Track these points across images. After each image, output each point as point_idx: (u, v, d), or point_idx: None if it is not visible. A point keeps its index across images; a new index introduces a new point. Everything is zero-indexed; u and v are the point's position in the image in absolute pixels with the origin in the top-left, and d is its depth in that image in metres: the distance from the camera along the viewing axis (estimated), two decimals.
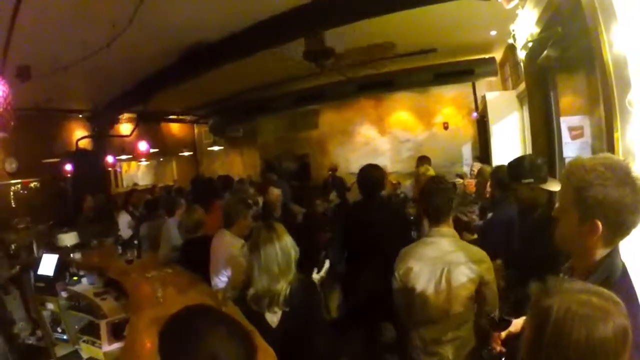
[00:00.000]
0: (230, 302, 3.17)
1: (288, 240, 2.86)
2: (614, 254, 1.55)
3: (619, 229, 1.50)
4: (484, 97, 9.00)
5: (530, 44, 4.29)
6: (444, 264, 2.70)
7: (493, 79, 10.39)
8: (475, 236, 4.84)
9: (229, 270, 3.83)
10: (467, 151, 11.83)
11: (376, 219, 3.91)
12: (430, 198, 2.85)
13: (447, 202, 2.84)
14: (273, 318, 2.80)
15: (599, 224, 1.49)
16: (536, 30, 4.07)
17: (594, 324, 1.03)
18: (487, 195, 5.21)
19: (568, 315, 1.06)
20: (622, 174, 1.47)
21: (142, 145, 11.55)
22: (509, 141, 8.12)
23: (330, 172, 11.46)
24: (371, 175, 4.22)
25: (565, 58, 4.15)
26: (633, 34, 2.23)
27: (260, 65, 8.68)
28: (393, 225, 3.96)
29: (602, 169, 1.49)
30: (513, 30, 4.85)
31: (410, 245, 2.94)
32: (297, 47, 7.27)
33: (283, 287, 2.76)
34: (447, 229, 2.83)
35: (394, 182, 8.74)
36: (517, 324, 2.07)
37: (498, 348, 2.08)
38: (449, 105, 12.23)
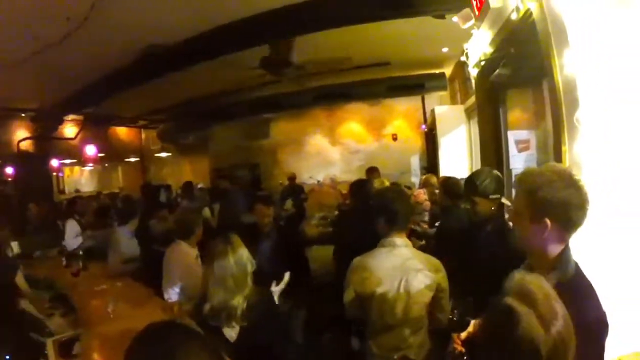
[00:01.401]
0: (186, 315, 3.05)
1: (244, 253, 2.73)
2: (566, 251, 1.72)
3: (567, 225, 1.67)
4: (433, 111, 9.35)
5: (482, 62, 4.52)
6: (402, 273, 2.70)
7: (442, 93, 10.79)
8: (424, 242, 4.99)
9: (184, 282, 3.69)
10: (415, 162, 12.14)
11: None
12: (391, 206, 2.83)
13: (407, 212, 2.89)
14: (231, 333, 2.66)
15: (548, 221, 1.66)
16: (489, 49, 4.29)
17: (514, 329, 1.20)
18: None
19: (510, 314, 1.22)
20: (566, 176, 1.67)
21: (90, 150, 11.04)
22: (456, 153, 8.48)
23: (288, 181, 11.24)
24: (364, 185, 4.51)
25: (515, 76, 4.39)
26: (583, 59, 2.45)
27: (216, 72, 8.65)
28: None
29: (549, 174, 1.69)
30: (466, 49, 5.07)
31: (363, 256, 2.88)
32: (254, 54, 7.34)
33: (239, 301, 2.63)
34: (402, 238, 2.83)
35: (344, 192, 8.81)
36: (475, 324, 2.15)
37: (458, 348, 2.12)
38: (399, 118, 12.57)
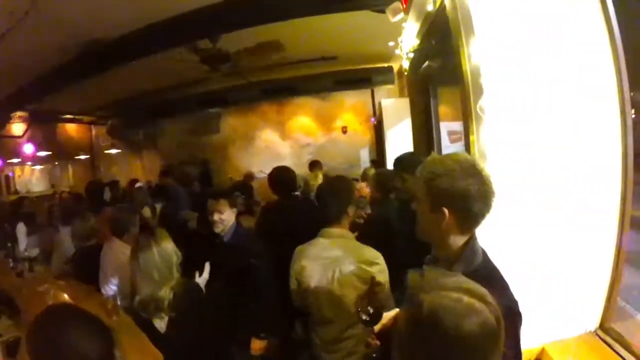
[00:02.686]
0: (121, 310, 3.08)
1: (168, 246, 2.82)
2: (472, 241, 1.68)
3: (469, 217, 1.63)
4: (380, 104, 9.42)
5: (411, 55, 4.58)
6: (334, 264, 2.72)
7: (391, 86, 10.90)
8: (356, 234, 5.00)
9: (118, 279, 3.73)
10: (365, 155, 12.28)
11: (292, 219, 4.02)
12: (323, 198, 2.91)
13: (339, 203, 2.86)
14: (161, 324, 2.76)
15: (446, 211, 1.62)
16: (416, 42, 4.35)
17: (461, 319, 1.09)
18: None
19: (439, 310, 1.11)
20: (467, 166, 1.62)
21: (28, 148, 10.76)
22: (402, 145, 8.55)
23: (243, 178, 11.05)
24: (285, 176, 4.39)
25: (447, 68, 4.46)
26: (487, 46, 2.48)
27: (161, 66, 8.50)
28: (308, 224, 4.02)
29: (449, 162, 1.64)
30: (400, 42, 5.13)
31: (304, 245, 2.93)
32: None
33: (166, 292, 2.72)
34: (339, 229, 2.84)
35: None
36: (388, 316, 2.07)
37: (373, 342, 2.07)
38: (349, 111, 12.66)
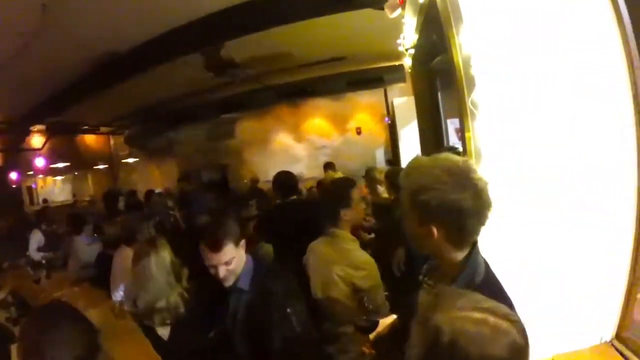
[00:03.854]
0: (128, 315, 3.10)
1: (166, 254, 2.79)
2: (473, 254, 1.49)
3: (461, 234, 1.45)
4: (392, 103, 9.31)
5: (412, 51, 4.46)
6: (325, 263, 2.78)
7: (403, 84, 10.68)
8: (373, 235, 4.89)
9: (125, 285, 3.70)
10: (380, 155, 12.17)
11: (285, 220, 4.03)
12: (323, 200, 3.09)
13: (331, 206, 2.89)
14: (163, 331, 2.74)
15: (434, 229, 1.43)
16: (415, 37, 4.24)
17: (488, 343, 0.96)
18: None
19: (461, 335, 0.98)
20: (460, 177, 1.40)
21: (39, 161, 10.96)
22: (416, 144, 8.43)
23: (250, 183, 11.21)
24: (283, 179, 4.46)
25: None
26: (478, 35, 2.28)
27: (173, 74, 8.62)
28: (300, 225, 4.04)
29: (439, 172, 1.41)
30: (402, 38, 5.02)
31: (315, 241, 3.01)
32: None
33: (170, 299, 2.71)
34: (339, 230, 2.86)
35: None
36: (384, 324, 2.01)
37: (368, 350, 1.99)
38: (363, 111, 12.59)
